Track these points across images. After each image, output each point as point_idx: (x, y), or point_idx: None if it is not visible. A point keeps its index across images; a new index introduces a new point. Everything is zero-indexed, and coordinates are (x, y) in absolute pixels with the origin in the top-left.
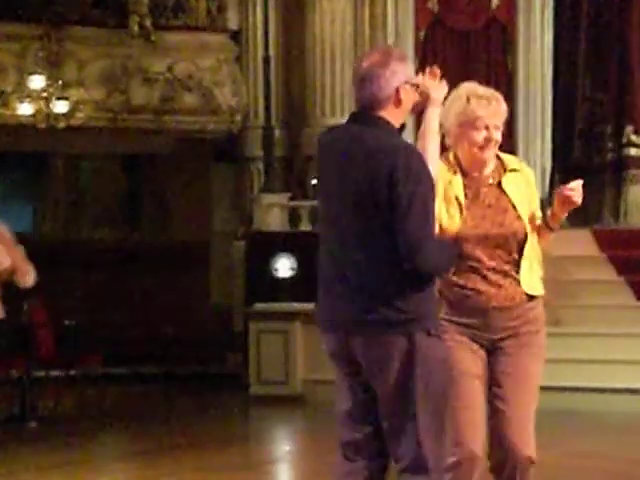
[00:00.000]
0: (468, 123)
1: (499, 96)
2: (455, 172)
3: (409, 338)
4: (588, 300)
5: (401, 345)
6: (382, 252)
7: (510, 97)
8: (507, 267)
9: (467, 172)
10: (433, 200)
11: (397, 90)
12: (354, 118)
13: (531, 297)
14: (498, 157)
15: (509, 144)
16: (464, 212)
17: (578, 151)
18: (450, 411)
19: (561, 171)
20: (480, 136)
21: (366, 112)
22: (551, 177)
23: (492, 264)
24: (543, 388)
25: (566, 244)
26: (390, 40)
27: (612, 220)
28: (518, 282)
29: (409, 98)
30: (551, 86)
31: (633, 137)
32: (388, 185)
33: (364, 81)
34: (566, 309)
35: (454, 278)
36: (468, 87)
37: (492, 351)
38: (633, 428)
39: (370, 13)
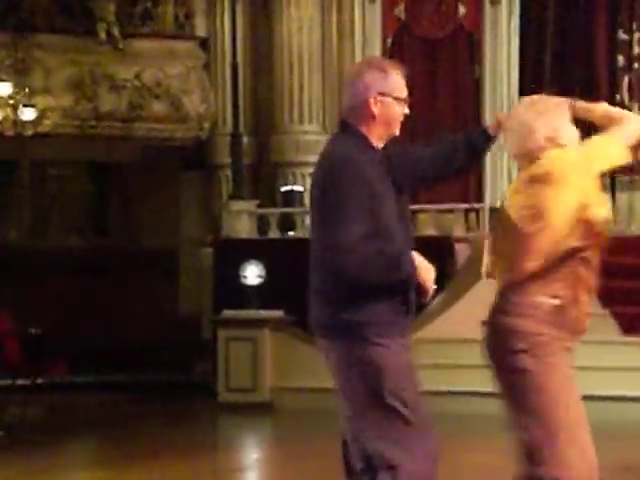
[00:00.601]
0: None
1: None
2: None
3: (350, 343)
4: None
5: (346, 352)
6: (320, 258)
7: (476, 105)
8: None
9: None
10: (362, 209)
11: (368, 101)
12: (338, 126)
13: None
14: None
15: None
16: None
17: None
18: (574, 433)
19: None
20: None
21: (342, 120)
22: None
23: None
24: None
25: None
26: (357, 47)
27: None
28: None
29: (386, 110)
30: (517, 94)
31: None
32: (320, 192)
33: (344, 89)
34: None
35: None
36: None
37: None
38: (600, 434)
39: (337, 20)
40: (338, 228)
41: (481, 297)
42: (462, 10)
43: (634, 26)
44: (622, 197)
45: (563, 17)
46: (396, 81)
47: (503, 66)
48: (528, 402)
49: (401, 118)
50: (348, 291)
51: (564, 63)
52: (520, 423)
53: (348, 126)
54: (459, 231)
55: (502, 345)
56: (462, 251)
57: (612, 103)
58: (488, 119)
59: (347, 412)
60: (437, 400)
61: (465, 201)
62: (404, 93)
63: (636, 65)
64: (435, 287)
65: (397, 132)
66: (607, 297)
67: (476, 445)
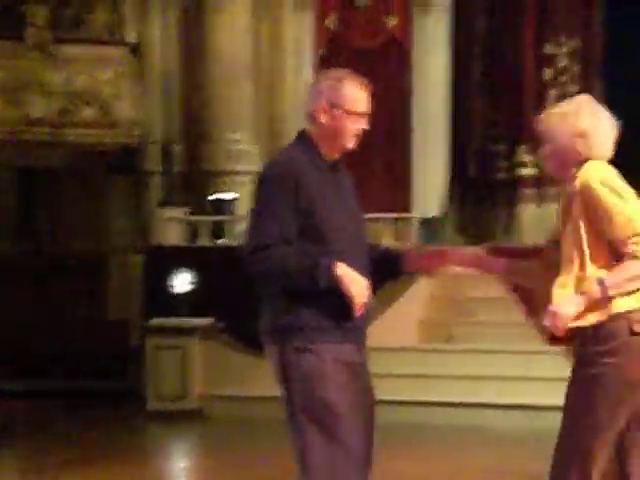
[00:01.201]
0: None
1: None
2: None
3: (281, 349)
4: (481, 317)
5: (278, 358)
6: None
7: (407, 116)
8: None
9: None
10: (283, 209)
11: (317, 111)
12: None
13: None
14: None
15: (405, 162)
16: None
17: (473, 170)
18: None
19: (457, 190)
20: None
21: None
22: (446, 196)
23: None
24: (432, 403)
25: None
26: (289, 57)
27: (505, 237)
28: None
29: (334, 122)
30: (447, 105)
31: (525, 157)
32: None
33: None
34: (459, 326)
35: None
36: None
37: None
38: (528, 443)
39: (269, 30)
40: (252, 229)
41: (411, 306)
42: (393, 21)
43: (561, 39)
44: (548, 208)
45: (492, 29)
46: (350, 94)
47: (433, 76)
48: None
49: (354, 132)
50: (277, 295)
51: (492, 74)
52: None
53: (301, 132)
54: (388, 240)
55: None
56: None
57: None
58: (418, 129)
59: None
60: None
61: (394, 210)
62: (359, 107)
63: (562, 78)
64: (364, 301)
65: (350, 146)
66: (529, 306)
67: (401, 453)
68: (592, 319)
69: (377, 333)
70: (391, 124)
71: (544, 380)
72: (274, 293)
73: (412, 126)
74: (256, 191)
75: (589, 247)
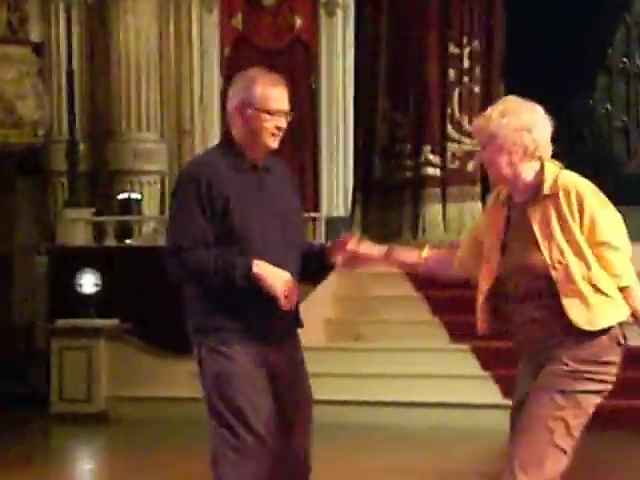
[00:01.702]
0: None
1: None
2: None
3: (199, 350)
4: (388, 315)
5: (197, 357)
6: None
7: (313, 116)
8: None
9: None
10: (196, 211)
11: (232, 111)
12: None
13: None
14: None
15: (312, 163)
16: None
17: (379, 170)
18: None
19: (362, 189)
20: None
21: None
22: (353, 195)
23: None
24: (343, 402)
25: None
26: (195, 57)
27: (411, 237)
28: None
29: (247, 121)
30: (353, 106)
31: (431, 156)
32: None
33: None
34: (366, 324)
35: None
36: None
37: None
38: (432, 441)
39: (175, 29)
40: (169, 232)
41: (318, 305)
42: (298, 21)
43: (464, 40)
44: (453, 207)
45: (397, 30)
46: (261, 92)
47: (339, 77)
48: None
49: (270, 130)
50: (197, 297)
51: (398, 75)
52: None
53: (224, 134)
54: None
55: None
56: None
57: (443, 116)
58: (324, 129)
59: None
60: (202, 407)
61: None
62: (271, 105)
63: (466, 79)
64: (290, 296)
65: (272, 144)
66: (436, 305)
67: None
68: (608, 322)
69: None
70: (298, 125)
71: (450, 377)
72: (194, 294)
73: (319, 126)
74: (172, 194)
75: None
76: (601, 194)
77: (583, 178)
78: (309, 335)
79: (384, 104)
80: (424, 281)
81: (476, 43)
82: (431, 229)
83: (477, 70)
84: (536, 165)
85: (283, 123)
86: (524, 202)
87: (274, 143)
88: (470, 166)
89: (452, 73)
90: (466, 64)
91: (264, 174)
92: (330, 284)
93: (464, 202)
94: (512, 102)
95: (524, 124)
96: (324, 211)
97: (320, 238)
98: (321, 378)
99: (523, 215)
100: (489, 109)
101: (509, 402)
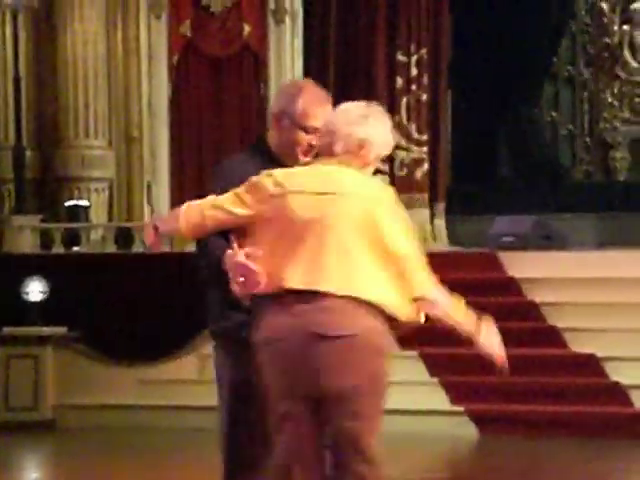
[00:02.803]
0: None
1: None
2: None
3: (216, 354)
4: None
5: (215, 361)
6: None
7: (263, 125)
8: None
9: None
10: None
11: (271, 116)
12: None
13: None
14: None
15: None
16: None
17: None
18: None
19: None
20: None
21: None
22: None
23: None
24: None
25: None
26: (143, 64)
27: None
28: None
29: (281, 132)
30: None
31: (379, 164)
32: None
33: None
34: None
35: None
36: None
37: None
38: (385, 447)
39: (123, 36)
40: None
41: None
42: (247, 29)
43: (412, 49)
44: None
45: (345, 38)
46: (303, 108)
47: None
48: None
49: (303, 147)
50: (211, 300)
51: (346, 84)
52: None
53: (259, 136)
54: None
55: None
56: None
57: (392, 123)
58: None
59: None
60: (150, 414)
61: None
62: (310, 123)
63: (414, 87)
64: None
65: (302, 159)
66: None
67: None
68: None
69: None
70: (247, 132)
71: (398, 384)
72: (212, 298)
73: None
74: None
75: None
76: None
77: None
78: None
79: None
80: None
81: (424, 52)
82: None
83: (425, 78)
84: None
85: (314, 141)
86: None
87: (305, 158)
88: (418, 173)
89: (400, 81)
90: (414, 72)
91: None
92: None
93: (412, 209)
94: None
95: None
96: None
97: None
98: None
99: None
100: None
101: (457, 408)
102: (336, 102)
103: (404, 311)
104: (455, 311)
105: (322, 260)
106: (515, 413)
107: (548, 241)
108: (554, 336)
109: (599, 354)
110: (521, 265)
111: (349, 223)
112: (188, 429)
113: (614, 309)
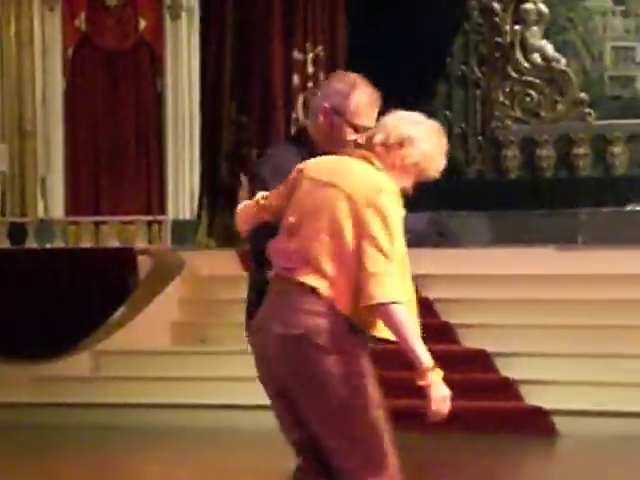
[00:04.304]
0: None
1: None
2: None
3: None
4: (233, 318)
5: None
6: None
7: (159, 120)
8: None
9: None
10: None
11: (318, 109)
12: None
13: None
14: None
15: (159, 166)
16: None
17: (225, 173)
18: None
19: (209, 193)
20: None
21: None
22: (200, 199)
23: None
24: (190, 406)
25: (212, 264)
26: (37, 57)
27: None
28: None
29: (331, 128)
30: (199, 109)
31: None
32: None
33: None
34: (212, 327)
35: None
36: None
37: None
38: (277, 442)
39: (16, 29)
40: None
41: (164, 308)
42: (143, 23)
43: (308, 46)
44: None
45: (242, 34)
46: (356, 106)
47: (184, 80)
48: None
49: (348, 142)
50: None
51: (243, 80)
52: None
53: (299, 129)
54: (141, 243)
55: None
56: (144, 263)
57: (289, 121)
58: (170, 132)
59: None
60: (124, 412)
61: (148, 213)
62: (362, 122)
63: (310, 84)
64: None
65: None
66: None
67: (153, 456)
68: None
69: (128, 337)
70: (144, 127)
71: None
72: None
73: (165, 129)
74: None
75: None
76: None
77: None
78: (154, 339)
79: (230, 108)
80: None
81: (320, 49)
82: None
83: (321, 76)
84: None
85: (362, 139)
86: None
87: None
88: None
89: (296, 78)
90: (310, 70)
91: None
92: (175, 287)
93: None
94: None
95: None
96: (170, 214)
97: (166, 242)
98: (167, 382)
99: None
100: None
101: None
102: (233, 97)
103: (360, 315)
104: (413, 335)
105: (305, 248)
106: (409, 408)
107: (442, 238)
108: (447, 332)
109: (490, 349)
110: (415, 262)
111: (336, 216)
112: (83, 427)
113: (505, 305)
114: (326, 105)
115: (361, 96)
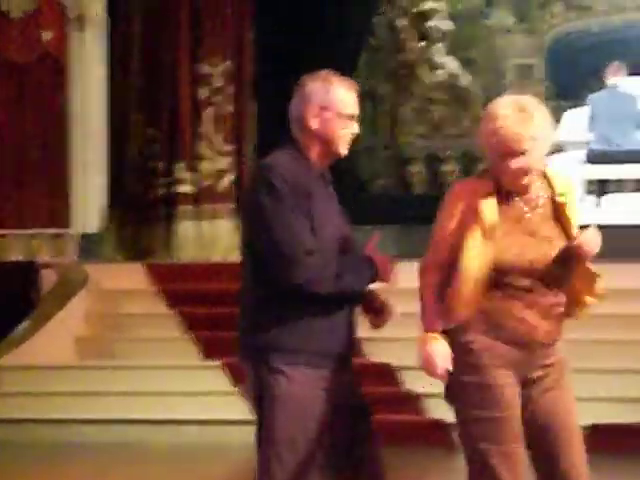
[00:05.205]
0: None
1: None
2: (490, 195)
3: (257, 369)
4: (140, 333)
5: (255, 377)
6: (250, 271)
7: (65, 132)
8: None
9: (508, 195)
10: (297, 215)
11: (307, 114)
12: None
13: None
14: (545, 175)
15: (64, 178)
16: (503, 238)
17: (132, 186)
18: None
19: (116, 206)
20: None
21: (288, 131)
22: (107, 212)
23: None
24: (95, 421)
25: (118, 278)
26: None
27: (165, 254)
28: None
29: (325, 126)
30: (106, 121)
31: (183, 174)
32: (251, 200)
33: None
34: (119, 342)
35: (497, 304)
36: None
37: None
38: (185, 458)
39: None
40: (281, 236)
41: (68, 322)
42: (48, 35)
43: (215, 60)
44: (206, 224)
45: (149, 47)
46: (341, 95)
47: (91, 93)
48: None
49: (346, 136)
50: (262, 311)
51: (151, 92)
52: None
53: (288, 139)
54: (46, 256)
55: None
56: (48, 277)
57: (196, 134)
58: (77, 145)
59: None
60: (27, 427)
61: (53, 226)
62: (350, 109)
63: (218, 98)
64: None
65: (343, 152)
66: (189, 322)
67: (55, 471)
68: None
69: (33, 351)
70: (49, 139)
71: (202, 394)
72: (260, 308)
73: (71, 141)
74: (270, 197)
75: None
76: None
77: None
78: (58, 353)
79: (137, 121)
80: (176, 298)
81: (228, 63)
82: (185, 246)
83: (229, 89)
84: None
85: (356, 130)
86: (522, 197)
87: (346, 150)
88: (223, 184)
89: (204, 92)
90: (218, 83)
91: (328, 183)
92: (80, 301)
93: (217, 219)
94: (528, 101)
95: (549, 119)
96: (77, 227)
97: (71, 255)
98: (71, 397)
99: (522, 209)
100: (512, 113)
101: None
102: (141, 109)
103: None
104: None
105: None
106: None
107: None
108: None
109: (394, 363)
110: None
111: None
112: None
113: (410, 319)
114: (311, 107)
115: (342, 85)
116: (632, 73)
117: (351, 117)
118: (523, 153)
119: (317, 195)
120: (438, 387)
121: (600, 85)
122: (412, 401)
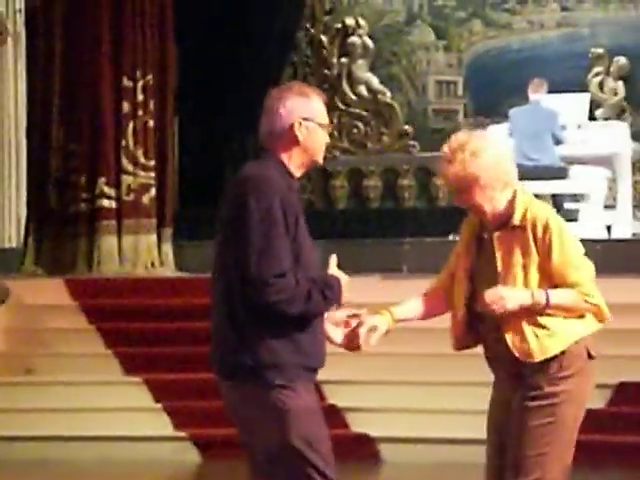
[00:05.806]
0: None
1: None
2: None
3: (258, 388)
4: (60, 348)
5: (246, 396)
6: (234, 289)
7: None
8: None
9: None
10: (280, 234)
11: (292, 126)
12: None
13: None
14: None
15: None
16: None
17: (53, 201)
18: None
19: (36, 220)
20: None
21: (262, 147)
22: (26, 227)
23: None
24: (14, 438)
25: (39, 293)
26: None
27: (86, 269)
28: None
29: (310, 136)
30: (25, 135)
31: (105, 188)
32: (236, 215)
33: (263, 116)
34: (38, 358)
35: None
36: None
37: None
38: (105, 475)
39: None
40: (261, 256)
41: None
42: None
43: (137, 74)
44: (128, 239)
45: (70, 61)
46: (318, 106)
47: (11, 106)
48: None
49: (324, 145)
50: (254, 329)
51: (72, 106)
52: None
53: (267, 152)
54: None
55: None
56: None
57: (118, 148)
58: None
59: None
60: None
61: None
62: (326, 119)
63: (140, 112)
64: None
65: (321, 160)
66: (110, 338)
67: None
68: (559, 348)
69: None
70: None
71: (123, 410)
72: (257, 328)
73: None
74: (256, 214)
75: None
76: (565, 224)
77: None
78: None
79: (58, 134)
80: (97, 313)
81: (150, 77)
82: (106, 261)
83: (151, 104)
84: (509, 194)
85: (328, 138)
86: (493, 230)
87: (322, 159)
88: (145, 198)
89: (126, 106)
90: (140, 97)
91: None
92: (0, 315)
93: (140, 234)
94: (475, 139)
95: (497, 157)
96: None
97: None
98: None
99: (491, 243)
100: (451, 152)
101: (180, 434)
102: (62, 123)
103: None
104: None
105: None
106: (237, 437)
107: None
108: None
109: (318, 378)
110: None
111: None
112: None
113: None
114: (293, 119)
115: (317, 96)
116: (550, 91)
117: (327, 126)
118: (468, 191)
119: (302, 217)
120: (363, 400)
121: (521, 102)
122: (336, 415)
